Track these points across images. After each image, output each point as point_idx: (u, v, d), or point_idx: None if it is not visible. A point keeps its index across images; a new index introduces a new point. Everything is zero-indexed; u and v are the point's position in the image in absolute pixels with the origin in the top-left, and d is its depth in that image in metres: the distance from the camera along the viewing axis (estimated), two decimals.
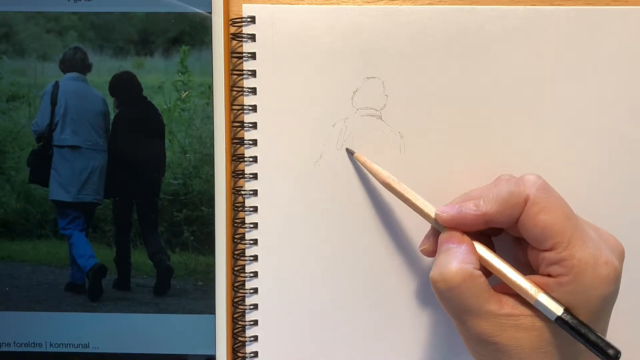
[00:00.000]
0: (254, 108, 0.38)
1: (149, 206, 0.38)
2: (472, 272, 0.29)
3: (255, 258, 0.39)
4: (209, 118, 0.38)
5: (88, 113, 0.38)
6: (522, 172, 0.34)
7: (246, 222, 0.39)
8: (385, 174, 0.35)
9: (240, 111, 0.38)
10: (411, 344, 0.39)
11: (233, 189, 0.39)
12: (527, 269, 0.31)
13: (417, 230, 0.38)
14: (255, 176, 0.38)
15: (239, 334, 0.39)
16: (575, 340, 0.28)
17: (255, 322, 0.39)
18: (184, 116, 0.38)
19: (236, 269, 0.39)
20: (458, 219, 0.31)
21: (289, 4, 0.38)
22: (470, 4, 0.37)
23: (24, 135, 0.38)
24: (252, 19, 0.38)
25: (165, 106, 0.38)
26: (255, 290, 0.39)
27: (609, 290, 0.28)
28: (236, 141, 0.38)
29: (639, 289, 0.37)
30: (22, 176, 0.39)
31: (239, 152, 0.39)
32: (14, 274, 0.39)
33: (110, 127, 0.38)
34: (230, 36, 0.38)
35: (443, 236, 0.32)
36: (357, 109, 0.38)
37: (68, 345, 0.39)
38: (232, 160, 0.39)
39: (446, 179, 0.38)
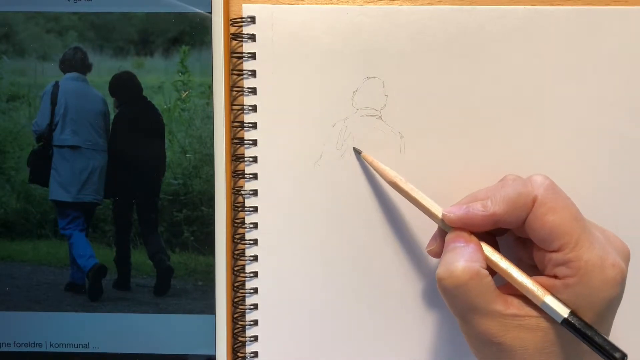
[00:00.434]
0: (254, 108, 0.38)
1: (149, 206, 0.38)
2: (479, 270, 0.29)
3: (255, 258, 0.39)
4: (209, 118, 0.38)
5: (88, 113, 0.38)
6: (522, 172, 0.34)
7: (246, 222, 0.39)
8: (392, 174, 0.35)
9: (240, 111, 0.38)
10: (411, 344, 0.39)
11: (233, 189, 0.39)
12: (529, 269, 0.31)
13: (419, 230, 0.38)
14: (255, 176, 0.38)
15: (239, 334, 0.39)
16: (579, 342, 0.28)
17: (255, 322, 0.39)
18: (184, 116, 0.38)
19: (236, 269, 0.39)
20: (466, 219, 0.31)
21: (289, 4, 0.38)
22: (470, 4, 0.37)
23: (24, 135, 0.38)
24: (252, 19, 0.38)
25: (165, 106, 0.38)
26: (255, 290, 0.39)
27: (615, 292, 0.28)
28: (236, 141, 0.38)
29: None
30: (22, 176, 0.39)
31: (239, 152, 0.39)
32: (14, 274, 0.39)
33: (110, 127, 0.38)
34: (230, 36, 0.38)
35: (450, 235, 0.32)
36: (357, 109, 0.38)
37: (68, 345, 0.39)
38: (232, 160, 0.39)
39: (446, 179, 0.38)
